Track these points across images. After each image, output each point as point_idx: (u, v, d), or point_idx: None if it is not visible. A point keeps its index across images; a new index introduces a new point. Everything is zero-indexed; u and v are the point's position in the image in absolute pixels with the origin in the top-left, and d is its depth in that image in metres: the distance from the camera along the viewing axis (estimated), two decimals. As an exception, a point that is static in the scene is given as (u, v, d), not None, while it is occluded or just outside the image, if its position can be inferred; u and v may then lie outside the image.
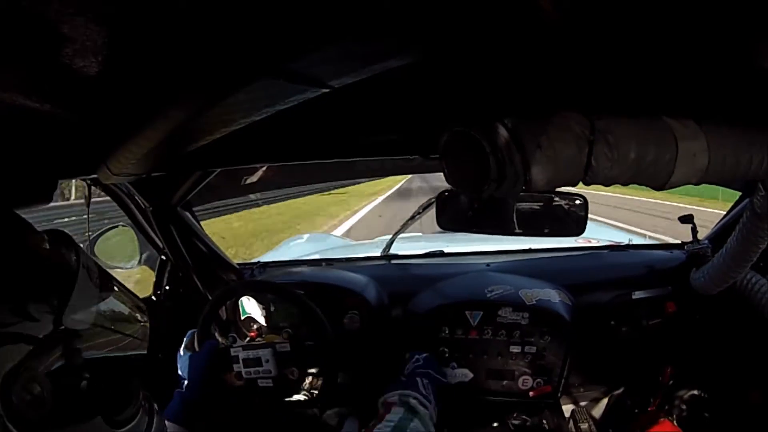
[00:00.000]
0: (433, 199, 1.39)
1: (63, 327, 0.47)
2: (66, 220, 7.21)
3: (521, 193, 1.21)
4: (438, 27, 0.37)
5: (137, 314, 0.63)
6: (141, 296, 1.39)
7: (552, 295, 1.29)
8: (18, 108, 0.45)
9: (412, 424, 0.89)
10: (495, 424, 1.36)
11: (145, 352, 0.60)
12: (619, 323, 1.35)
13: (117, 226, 1.40)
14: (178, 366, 1.14)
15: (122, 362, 0.57)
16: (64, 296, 0.47)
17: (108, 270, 0.60)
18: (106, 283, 0.56)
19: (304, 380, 1.17)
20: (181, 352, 1.16)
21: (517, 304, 1.27)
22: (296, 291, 1.19)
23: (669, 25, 0.40)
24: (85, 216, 1.08)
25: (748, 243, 0.98)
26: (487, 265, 1.53)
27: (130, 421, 0.51)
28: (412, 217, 1.74)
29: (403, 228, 1.78)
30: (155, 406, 0.58)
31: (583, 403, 1.46)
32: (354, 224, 9.71)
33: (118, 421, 0.50)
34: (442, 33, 0.39)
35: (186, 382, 1.09)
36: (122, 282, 0.61)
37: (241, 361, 1.14)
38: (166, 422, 1.00)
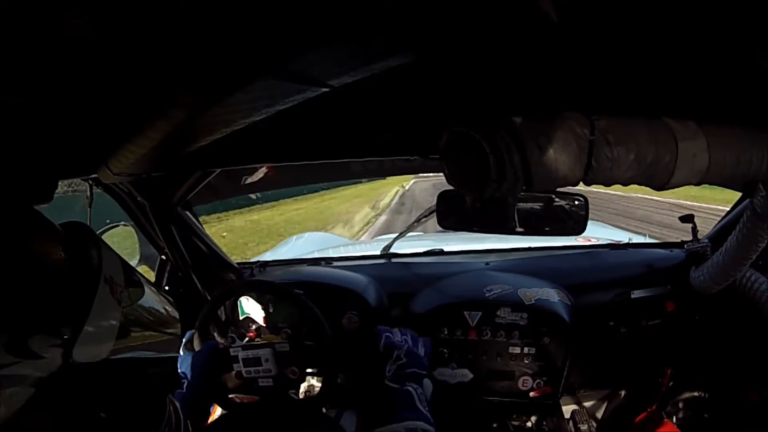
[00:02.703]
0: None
1: (73, 362, 0.38)
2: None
3: (521, 193, 1.21)
4: (438, 27, 0.37)
5: (170, 318, 0.55)
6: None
7: (551, 295, 1.29)
8: (18, 108, 0.45)
9: None
10: (495, 425, 1.36)
11: (178, 354, 0.54)
12: (618, 323, 1.35)
13: (118, 225, 1.40)
14: (178, 366, 1.14)
15: (154, 376, 0.51)
16: (77, 324, 0.39)
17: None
18: (133, 286, 0.48)
19: (304, 379, 1.17)
20: (181, 352, 1.16)
21: (516, 304, 1.27)
22: (295, 291, 1.19)
23: (669, 25, 0.40)
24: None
25: (748, 242, 0.98)
26: (487, 263, 1.53)
27: None
28: (418, 220, 1.74)
29: (407, 230, 1.78)
30: (180, 412, 0.54)
31: (583, 404, 1.46)
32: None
33: None
34: (442, 33, 0.39)
35: (186, 382, 1.09)
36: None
37: (240, 361, 1.14)
38: None
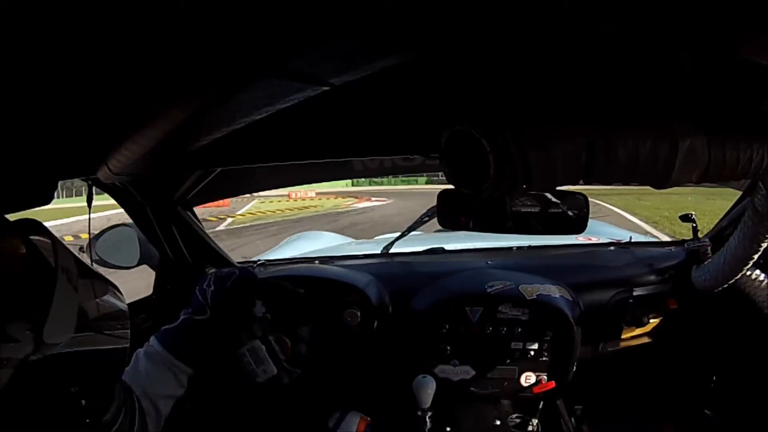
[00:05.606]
0: None
1: (44, 343, 0.44)
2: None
3: (521, 192, 1.21)
4: (439, 26, 0.37)
5: (119, 311, 0.58)
6: (142, 296, 1.40)
7: (552, 291, 1.30)
8: (18, 108, 0.45)
9: None
10: (497, 422, 1.36)
11: (127, 345, 0.57)
12: (620, 320, 1.35)
13: (118, 225, 1.40)
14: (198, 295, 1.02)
15: (103, 362, 0.54)
16: (44, 309, 0.44)
17: (81, 257, 0.56)
18: (84, 278, 0.52)
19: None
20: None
21: (517, 299, 1.27)
22: (296, 289, 1.19)
23: (668, 23, 0.40)
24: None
25: (750, 242, 0.97)
26: (488, 262, 1.53)
27: (114, 423, 0.52)
28: (421, 221, 1.74)
29: (408, 230, 1.78)
30: (137, 405, 0.58)
31: (585, 401, 1.46)
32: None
33: (105, 422, 0.51)
34: (443, 32, 0.39)
35: (207, 314, 0.98)
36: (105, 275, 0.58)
37: (248, 344, 1.10)
38: (157, 347, 0.93)
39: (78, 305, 0.49)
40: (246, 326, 1.08)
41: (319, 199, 20.79)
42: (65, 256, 0.49)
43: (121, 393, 0.55)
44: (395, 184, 25.32)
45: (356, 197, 19.94)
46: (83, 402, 0.50)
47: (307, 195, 21.96)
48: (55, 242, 0.49)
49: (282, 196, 20.97)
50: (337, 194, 22.27)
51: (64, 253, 0.49)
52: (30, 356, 0.43)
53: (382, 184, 24.55)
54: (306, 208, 16.60)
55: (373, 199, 18.75)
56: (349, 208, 15.80)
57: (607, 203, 11.62)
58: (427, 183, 23.16)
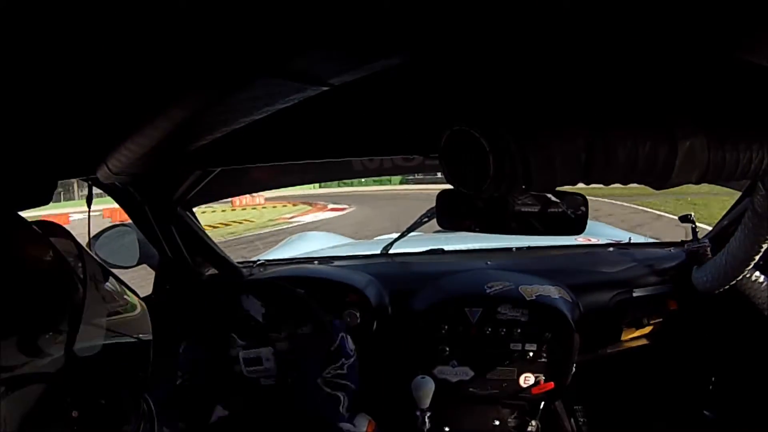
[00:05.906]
0: None
1: (76, 357, 0.41)
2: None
3: (521, 193, 1.21)
4: (439, 26, 0.37)
5: (140, 313, 0.58)
6: (141, 296, 1.40)
7: (552, 292, 1.30)
8: (19, 108, 0.45)
9: None
10: (496, 422, 1.36)
11: (149, 353, 0.55)
12: (620, 321, 1.35)
13: (118, 225, 1.40)
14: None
15: (127, 369, 0.53)
16: (75, 320, 0.41)
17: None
18: (110, 286, 0.50)
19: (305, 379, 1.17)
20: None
21: (517, 300, 1.27)
22: (296, 289, 1.19)
23: (668, 22, 0.40)
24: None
25: (751, 243, 0.97)
26: (487, 263, 1.53)
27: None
28: (421, 222, 1.74)
29: (408, 231, 1.77)
30: (153, 410, 0.57)
31: (585, 401, 1.46)
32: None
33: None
34: (444, 32, 0.39)
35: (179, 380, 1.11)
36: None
37: (241, 361, 1.14)
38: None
39: (107, 314, 0.46)
40: (227, 363, 1.15)
41: (264, 207, 16.53)
42: (90, 262, 0.46)
43: (143, 404, 0.54)
44: (366, 185, 21.70)
45: (311, 204, 16.23)
46: (109, 413, 0.48)
47: (254, 201, 17.13)
48: (80, 247, 0.46)
49: (226, 203, 15.78)
50: (291, 200, 17.78)
51: (89, 258, 0.46)
52: (61, 370, 0.40)
53: (351, 185, 20.73)
54: (228, 224, 12.34)
55: (330, 207, 14.95)
56: (288, 224, 11.88)
57: (652, 209, 9.33)
58: (401, 183, 20.78)
